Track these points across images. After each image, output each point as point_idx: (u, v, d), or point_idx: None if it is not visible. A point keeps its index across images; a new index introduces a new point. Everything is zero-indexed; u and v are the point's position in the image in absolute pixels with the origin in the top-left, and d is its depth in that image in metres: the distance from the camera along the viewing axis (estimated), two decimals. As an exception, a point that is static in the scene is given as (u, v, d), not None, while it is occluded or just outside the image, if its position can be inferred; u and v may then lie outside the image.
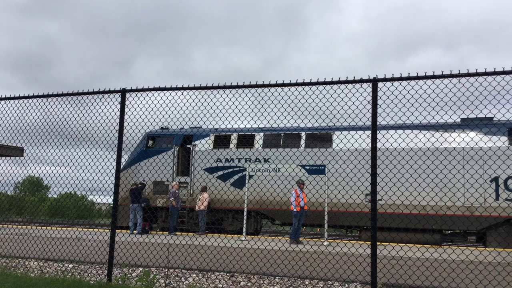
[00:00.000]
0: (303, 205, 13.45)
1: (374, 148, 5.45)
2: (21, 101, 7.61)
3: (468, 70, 5.21)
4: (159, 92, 6.61)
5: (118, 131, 6.63)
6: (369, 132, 14.03)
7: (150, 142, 19.36)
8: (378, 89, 5.52)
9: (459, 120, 14.65)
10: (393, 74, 5.48)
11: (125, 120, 6.65)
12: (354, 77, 5.66)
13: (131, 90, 6.70)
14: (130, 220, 16.58)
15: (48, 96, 7.31)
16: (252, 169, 16.31)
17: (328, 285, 6.36)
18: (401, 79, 5.44)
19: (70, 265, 7.69)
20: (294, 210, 13.38)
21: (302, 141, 17.14)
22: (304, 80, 5.83)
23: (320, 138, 16.91)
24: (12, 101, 7.70)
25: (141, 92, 6.69)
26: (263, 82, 6.05)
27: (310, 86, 5.88)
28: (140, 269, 7.29)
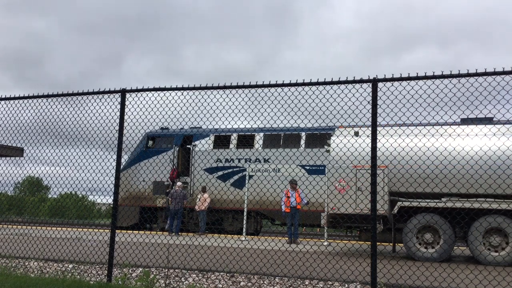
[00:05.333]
0: (294, 205, 13.52)
1: (374, 148, 5.46)
2: (20, 101, 7.61)
3: (468, 70, 5.21)
4: (159, 92, 6.61)
5: (118, 131, 6.63)
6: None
7: (150, 142, 19.35)
8: (378, 89, 5.52)
9: (459, 120, 14.72)
10: (393, 74, 5.49)
11: (125, 120, 6.65)
12: (354, 77, 5.66)
13: (131, 90, 6.70)
14: (168, 223, 16.58)
15: (48, 96, 7.31)
16: (252, 169, 16.30)
17: (328, 285, 6.36)
18: (401, 79, 5.44)
19: (70, 265, 7.69)
20: (283, 211, 13.60)
21: (302, 141, 17.15)
22: (304, 80, 5.83)
23: (320, 138, 16.92)
24: (12, 101, 7.70)
25: (141, 92, 6.69)
26: (263, 82, 6.06)
27: (310, 86, 5.88)
28: (140, 269, 7.29)
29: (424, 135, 10.22)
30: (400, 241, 10.59)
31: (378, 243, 14.13)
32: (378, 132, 10.62)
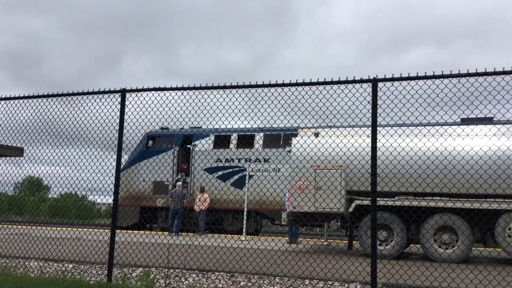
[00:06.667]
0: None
1: (374, 148, 5.46)
2: (20, 101, 7.61)
3: (468, 70, 5.21)
4: (159, 92, 6.61)
5: (118, 131, 6.63)
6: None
7: (150, 142, 19.34)
8: (378, 89, 5.52)
9: (459, 120, 14.73)
10: (393, 74, 5.49)
11: (125, 120, 6.65)
12: (354, 77, 5.66)
13: (131, 90, 6.70)
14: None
15: (48, 96, 7.31)
16: (252, 169, 16.30)
17: (328, 285, 6.36)
18: (401, 79, 5.44)
19: (70, 265, 7.69)
20: (288, 210, 13.56)
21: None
22: (304, 80, 5.83)
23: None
24: (12, 101, 7.71)
25: (141, 92, 6.69)
26: (263, 82, 6.06)
27: (309, 86, 5.88)
28: (140, 269, 7.29)
29: (399, 135, 10.34)
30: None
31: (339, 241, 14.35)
32: (333, 133, 11.03)
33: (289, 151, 11.75)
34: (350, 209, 10.23)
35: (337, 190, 10.24)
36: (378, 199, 10.05)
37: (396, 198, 10.01)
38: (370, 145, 10.02)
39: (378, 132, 10.61)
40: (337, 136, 10.84)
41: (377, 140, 5.66)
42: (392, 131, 10.53)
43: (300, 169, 10.62)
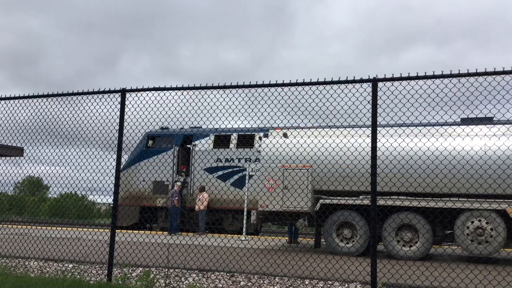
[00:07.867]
0: None
1: (374, 148, 5.45)
2: (20, 101, 7.61)
3: (468, 70, 5.21)
4: (159, 92, 6.61)
5: (118, 131, 6.63)
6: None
7: (150, 142, 19.34)
8: (378, 89, 5.52)
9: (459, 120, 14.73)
10: (393, 74, 5.49)
11: (125, 120, 6.65)
12: (354, 77, 5.66)
13: (131, 90, 6.70)
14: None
15: (48, 96, 7.31)
16: (252, 169, 16.28)
17: (328, 285, 6.36)
18: (401, 79, 5.44)
19: (70, 265, 7.68)
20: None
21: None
22: (304, 80, 5.83)
23: None
24: (12, 101, 7.70)
25: (141, 92, 6.69)
26: (263, 82, 6.06)
27: (309, 86, 5.88)
28: (140, 269, 7.29)
29: (396, 135, 10.42)
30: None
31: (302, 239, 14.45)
32: (301, 133, 11.19)
33: (259, 151, 11.95)
34: (316, 208, 10.45)
35: (303, 189, 10.53)
36: (340, 198, 10.38)
37: (360, 197, 10.21)
38: (354, 144, 10.25)
39: (353, 131, 10.88)
40: (306, 137, 11.04)
41: (378, 140, 5.66)
42: (385, 131, 10.61)
43: (269, 169, 10.91)
